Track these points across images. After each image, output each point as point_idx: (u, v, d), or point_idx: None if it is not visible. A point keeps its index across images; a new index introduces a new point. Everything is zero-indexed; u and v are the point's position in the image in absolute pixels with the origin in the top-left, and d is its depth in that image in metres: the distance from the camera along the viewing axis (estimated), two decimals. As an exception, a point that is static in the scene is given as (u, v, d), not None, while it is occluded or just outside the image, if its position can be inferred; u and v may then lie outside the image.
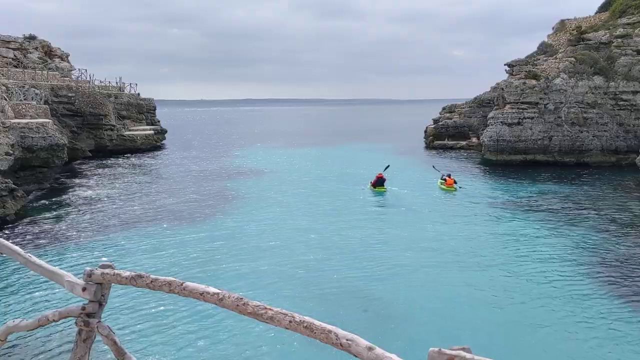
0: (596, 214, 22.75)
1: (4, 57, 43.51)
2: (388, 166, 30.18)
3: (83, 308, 3.41)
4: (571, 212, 23.30)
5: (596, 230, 20.06)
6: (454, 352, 2.10)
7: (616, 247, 17.83)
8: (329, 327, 2.50)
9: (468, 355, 2.08)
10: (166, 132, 58.34)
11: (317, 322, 2.55)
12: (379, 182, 28.03)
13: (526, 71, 40.94)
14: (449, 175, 29.64)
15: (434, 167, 34.33)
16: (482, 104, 51.64)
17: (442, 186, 29.00)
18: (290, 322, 2.61)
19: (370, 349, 2.29)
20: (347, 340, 2.39)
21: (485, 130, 40.57)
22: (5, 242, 4.03)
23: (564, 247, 17.71)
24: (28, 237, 19.04)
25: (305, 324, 2.56)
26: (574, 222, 21.27)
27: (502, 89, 40.38)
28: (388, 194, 27.35)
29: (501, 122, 38.83)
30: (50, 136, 28.19)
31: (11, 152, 24.26)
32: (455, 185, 28.64)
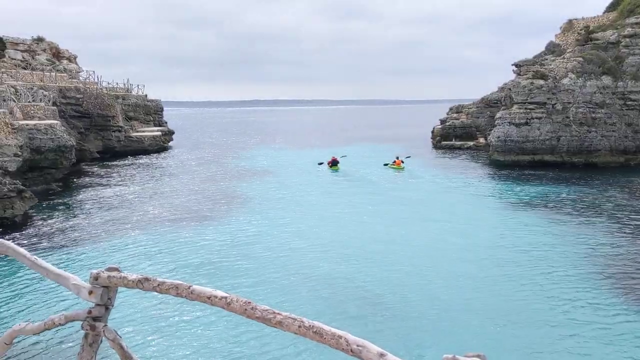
0: (605, 215, 22.56)
1: (12, 59, 43.78)
2: (344, 155, 37.33)
3: (89, 311, 3.37)
4: (579, 212, 23.12)
5: (605, 231, 19.88)
6: (468, 360, 2.04)
7: (626, 248, 17.65)
8: (339, 332, 2.44)
9: (483, 363, 2.02)
10: (173, 133, 58.45)
11: (326, 327, 2.49)
12: (334, 163, 36.00)
13: (534, 71, 40.68)
14: (397, 158, 37.39)
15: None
16: (490, 104, 51.42)
17: (393, 166, 36.57)
18: (299, 327, 2.55)
19: (381, 355, 2.23)
20: (357, 346, 2.33)
21: (492, 131, 40.36)
22: (11, 244, 4.00)
23: (573, 249, 17.55)
24: (35, 238, 19.10)
25: (314, 329, 2.50)
26: (582, 223, 21.10)
27: (510, 89, 40.17)
28: (389, 185, 27.70)
29: (509, 122, 38.62)
30: (58, 137, 28.32)
31: (20, 153, 24.37)
32: (402, 165, 36.29)
